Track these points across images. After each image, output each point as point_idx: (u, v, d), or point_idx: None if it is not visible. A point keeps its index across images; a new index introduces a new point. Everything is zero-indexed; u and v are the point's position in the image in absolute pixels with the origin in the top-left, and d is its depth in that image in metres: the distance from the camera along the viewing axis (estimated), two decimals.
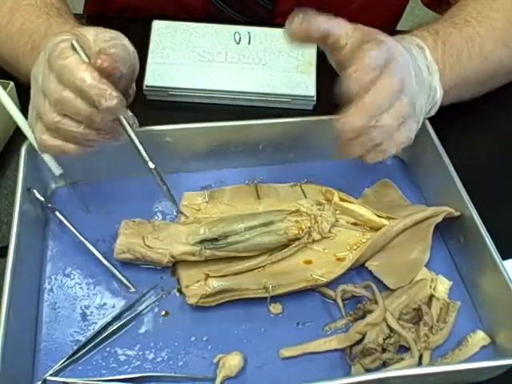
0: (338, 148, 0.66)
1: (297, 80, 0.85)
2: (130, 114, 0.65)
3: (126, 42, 0.64)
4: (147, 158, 0.64)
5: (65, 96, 0.61)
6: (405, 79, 0.66)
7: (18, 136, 0.79)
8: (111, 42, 0.63)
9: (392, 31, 0.97)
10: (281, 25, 0.84)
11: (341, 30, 0.66)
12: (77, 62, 0.60)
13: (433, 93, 0.74)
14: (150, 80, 0.85)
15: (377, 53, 0.63)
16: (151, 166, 0.64)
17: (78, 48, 0.61)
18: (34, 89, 0.65)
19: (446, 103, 0.77)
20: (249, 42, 0.87)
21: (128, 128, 0.63)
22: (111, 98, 0.60)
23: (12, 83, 0.77)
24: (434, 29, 0.78)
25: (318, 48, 0.88)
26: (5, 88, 0.75)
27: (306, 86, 0.86)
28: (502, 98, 0.87)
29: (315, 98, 0.86)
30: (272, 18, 0.99)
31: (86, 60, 0.61)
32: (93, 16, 0.78)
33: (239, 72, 0.86)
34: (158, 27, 0.88)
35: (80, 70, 0.60)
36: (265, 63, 0.87)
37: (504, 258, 0.68)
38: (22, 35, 0.75)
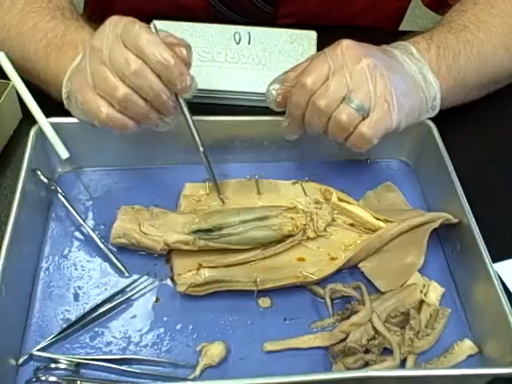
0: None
1: None
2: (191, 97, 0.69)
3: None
4: (199, 143, 0.71)
5: (143, 69, 0.64)
6: (350, 90, 0.67)
7: (18, 135, 0.82)
8: (172, 36, 0.68)
9: (394, 32, 0.97)
10: (281, 25, 0.85)
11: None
12: (159, 41, 0.64)
13: (427, 93, 0.74)
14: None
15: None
16: (201, 149, 0.71)
17: (155, 31, 0.66)
18: (93, 62, 0.66)
19: (446, 106, 0.77)
20: (249, 42, 0.88)
21: (187, 111, 0.69)
22: (188, 80, 0.65)
23: (12, 83, 0.77)
24: (429, 34, 0.79)
25: (317, 48, 0.88)
26: (5, 88, 0.78)
27: None
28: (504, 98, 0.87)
29: None
30: (272, 21, 0.99)
31: None
32: (93, 18, 0.79)
33: (239, 72, 0.87)
34: (158, 27, 0.89)
35: (164, 49, 0.64)
36: (265, 63, 0.88)
37: (498, 259, 0.69)
38: (34, 34, 0.76)
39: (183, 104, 0.69)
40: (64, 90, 0.72)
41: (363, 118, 0.67)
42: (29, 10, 0.79)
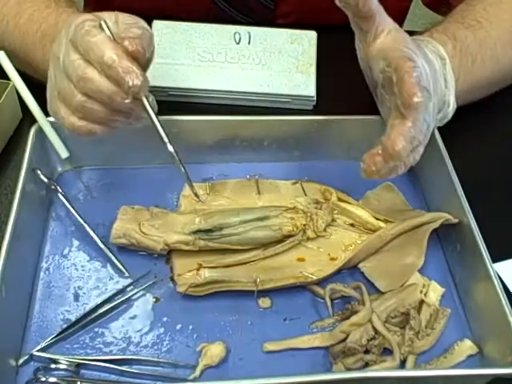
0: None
1: (297, 80, 0.85)
2: (151, 96, 0.65)
3: (146, 25, 0.65)
4: (166, 140, 0.65)
5: (88, 73, 0.61)
6: (428, 109, 0.65)
7: (18, 135, 0.82)
8: (134, 25, 0.64)
9: None
10: (281, 25, 0.84)
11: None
12: (104, 39, 0.61)
13: (445, 107, 0.74)
14: (150, 80, 0.86)
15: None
16: (170, 148, 0.65)
17: (106, 28, 0.62)
18: (54, 70, 0.66)
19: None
20: (249, 42, 0.87)
21: (149, 109, 0.64)
22: (137, 76, 0.60)
23: (12, 83, 0.77)
24: (452, 32, 0.77)
25: (317, 48, 0.88)
26: (5, 88, 0.78)
27: (305, 85, 0.86)
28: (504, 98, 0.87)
29: (315, 98, 0.86)
30: (273, 18, 0.99)
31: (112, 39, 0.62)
32: None
33: (239, 72, 0.87)
34: (158, 27, 0.89)
35: (108, 48, 0.60)
36: (265, 63, 0.88)
37: (498, 259, 0.69)
38: (30, 25, 0.76)
39: (145, 102, 0.63)
40: None
41: None
42: (25, 1, 0.79)
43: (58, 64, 0.64)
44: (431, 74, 0.68)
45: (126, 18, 0.65)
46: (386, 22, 0.66)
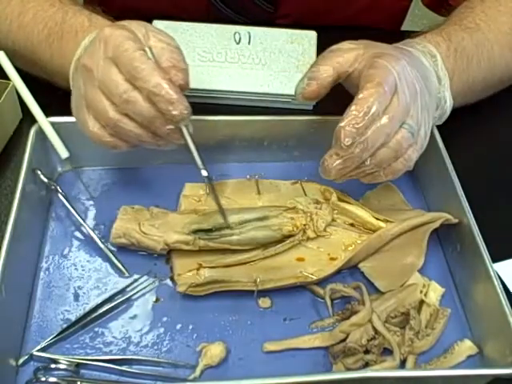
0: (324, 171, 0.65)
1: (297, 80, 0.84)
2: (190, 123, 0.65)
3: (178, 45, 0.67)
4: (201, 167, 0.66)
5: (133, 96, 0.62)
6: (409, 110, 0.64)
7: (18, 135, 0.82)
8: (169, 46, 0.65)
9: (397, 32, 0.96)
10: (281, 25, 0.84)
11: (348, 65, 0.67)
12: (153, 67, 0.61)
13: (442, 103, 0.74)
14: None
15: (377, 95, 0.61)
16: (204, 174, 0.66)
17: (150, 54, 0.63)
18: (84, 81, 0.65)
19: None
20: (249, 42, 0.87)
21: (188, 137, 0.65)
22: (184, 107, 0.62)
23: (12, 83, 0.77)
24: (447, 33, 0.77)
25: (317, 48, 0.88)
26: (5, 88, 0.78)
27: None
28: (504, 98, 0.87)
29: None
30: (272, 21, 0.99)
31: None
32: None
33: (239, 72, 0.87)
34: (158, 27, 0.88)
35: (156, 76, 0.61)
36: (265, 63, 0.88)
37: (498, 259, 0.69)
38: (36, 24, 0.76)
39: (184, 130, 0.65)
40: (71, 83, 0.72)
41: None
42: (28, 0, 0.78)
43: (91, 77, 0.64)
44: (420, 73, 0.68)
45: (157, 35, 0.66)
46: (353, 56, 0.67)
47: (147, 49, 0.63)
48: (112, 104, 0.63)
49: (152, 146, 0.67)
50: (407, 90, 0.64)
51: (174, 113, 0.61)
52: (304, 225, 0.71)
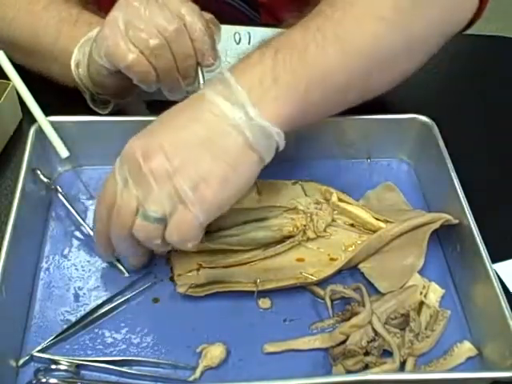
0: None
1: None
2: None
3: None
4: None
5: (182, 30, 0.67)
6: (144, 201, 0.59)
7: (18, 135, 0.82)
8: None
9: None
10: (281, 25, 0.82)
11: None
12: (199, 12, 0.69)
13: (268, 137, 0.61)
14: None
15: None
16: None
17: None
18: (129, 14, 0.67)
19: (321, 116, 0.68)
20: (249, 42, 0.87)
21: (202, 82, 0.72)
22: (213, 54, 0.71)
23: (12, 83, 0.77)
24: (268, 40, 0.65)
25: None
26: (5, 88, 0.77)
27: None
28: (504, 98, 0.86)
29: None
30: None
31: None
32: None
33: None
34: None
35: (202, 20, 0.69)
36: None
37: (498, 260, 0.69)
38: (46, 12, 0.77)
39: (201, 75, 0.71)
40: (74, 58, 0.74)
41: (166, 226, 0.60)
42: None
43: (138, 11, 0.67)
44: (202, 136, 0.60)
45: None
46: None
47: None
48: (159, 32, 0.66)
49: (168, 87, 0.71)
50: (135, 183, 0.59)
51: (210, 57, 0.69)
52: (304, 225, 0.71)
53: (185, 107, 0.63)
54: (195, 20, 0.67)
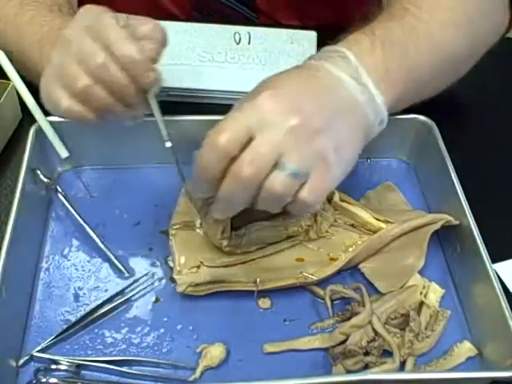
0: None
1: None
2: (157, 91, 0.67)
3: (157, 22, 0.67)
4: (166, 138, 0.67)
5: (107, 62, 0.63)
6: (283, 152, 0.56)
7: (18, 135, 0.82)
8: (147, 21, 0.66)
9: None
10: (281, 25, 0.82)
11: None
12: (126, 37, 0.63)
13: (370, 110, 0.64)
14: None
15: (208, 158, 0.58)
16: (168, 145, 0.68)
17: (125, 23, 0.65)
18: (61, 52, 0.66)
19: (399, 109, 0.71)
20: (249, 43, 0.87)
21: (155, 106, 0.67)
22: (150, 76, 0.64)
23: (12, 83, 0.77)
24: (371, 28, 0.68)
25: (317, 48, 0.88)
26: (5, 88, 0.77)
27: None
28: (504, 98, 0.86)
29: None
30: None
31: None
32: None
33: (239, 72, 0.87)
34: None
35: (130, 45, 0.63)
36: (265, 63, 0.88)
37: (498, 260, 0.70)
38: (31, 26, 0.76)
39: (151, 98, 0.66)
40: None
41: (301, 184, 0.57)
42: (27, 3, 0.78)
43: (69, 48, 0.65)
44: (328, 96, 0.61)
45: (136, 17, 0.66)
46: None
47: (123, 16, 0.65)
48: (84, 72, 0.64)
49: (120, 117, 0.68)
50: (278, 134, 0.56)
51: (147, 81, 0.64)
52: (308, 225, 0.71)
53: (309, 77, 0.63)
54: (120, 47, 0.62)
